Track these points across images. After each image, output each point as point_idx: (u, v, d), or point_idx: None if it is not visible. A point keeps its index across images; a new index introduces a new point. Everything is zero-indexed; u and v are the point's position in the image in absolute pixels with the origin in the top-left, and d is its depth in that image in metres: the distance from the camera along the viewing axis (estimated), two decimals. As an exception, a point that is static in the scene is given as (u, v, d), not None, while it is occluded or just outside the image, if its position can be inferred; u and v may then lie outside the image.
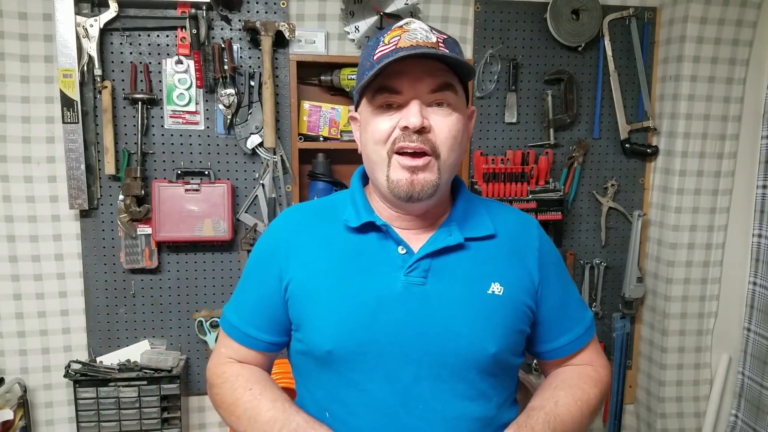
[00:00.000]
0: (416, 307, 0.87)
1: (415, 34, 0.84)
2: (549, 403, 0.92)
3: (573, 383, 0.96)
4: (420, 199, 0.86)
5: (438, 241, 0.90)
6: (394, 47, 0.84)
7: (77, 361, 1.83)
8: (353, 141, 1.87)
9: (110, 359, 1.87)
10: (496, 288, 0.90)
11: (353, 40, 1.91)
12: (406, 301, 0.87)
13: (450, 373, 0.87)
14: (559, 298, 0.98)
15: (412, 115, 0.83)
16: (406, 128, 0.84)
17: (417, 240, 0.92)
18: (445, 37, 0.88)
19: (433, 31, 0.87)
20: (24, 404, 1.83)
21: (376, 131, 0.87)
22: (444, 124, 0.85)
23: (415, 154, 0.85)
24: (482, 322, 0.88)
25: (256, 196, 1.92)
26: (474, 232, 0.93)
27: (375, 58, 0.85)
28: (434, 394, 0.86)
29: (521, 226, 0.99)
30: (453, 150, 0.87)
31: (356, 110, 0.96)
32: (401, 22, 0.88)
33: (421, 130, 0.84)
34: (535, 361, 1.98)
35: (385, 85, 0.85)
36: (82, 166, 1.78)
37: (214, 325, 1.93)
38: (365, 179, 1.00)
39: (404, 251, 0.90)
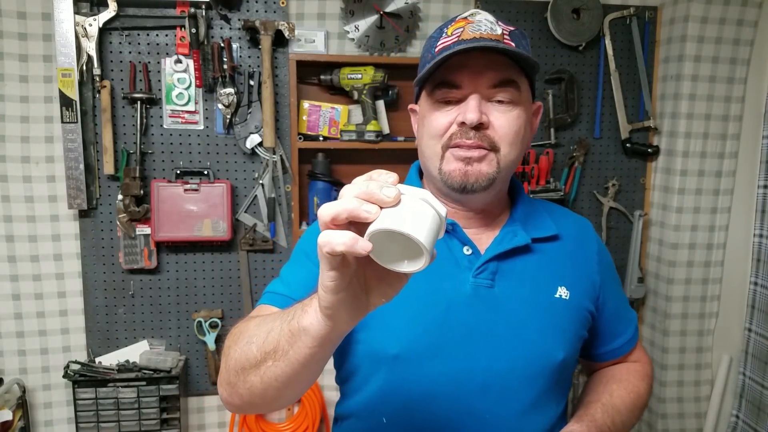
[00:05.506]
0: (485, 310, 0.84)
1: (479, 26, 0.81)
2: (604, 396, 0.93)
3: (623, 377, 0.98)
4: (474, 190, 0.82)
5: (505, 242, 0.87)
6: (456, 39, 0.80)
7: (76, 362, 1.82)
8: (353, 141, 1.89)
9: (109, 360, 1.86)
10: (562, 292, 0.87)
11: (353, 40, 1.90)
12: (475, 304, 0.84)
13: (519, 381, 0.84)
14: (615, 301, 0.98)
15: (470, 110, 0.79)
16: (463, 124, 0.80)
17: (479, 240, 0.89)
18: (512, 29, 0.84)
19: (499, 23, 0.83)
20: (23, 405, 1.83)
21: (432, 126, 0.84)
22: (504, 121, 0.81)
23: (471, 147, 0.81)
24: (551, 328, 0.85)
25: (256, 195, 1.91)
26: (538, 233, 0.90)
27: (437, 50, 0.82)
28: (502, 402, 0.83)
29: (580, 229, 0.97)
30: (514, 145, 0.83)
31: (416, 102, 0.92)
32: (466, 13, 0.84)
33: (479, 126, 0.80)
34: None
35: (444, 79, 0.82)
36: (81, 166, 1.77)
37: (214, 326, 1.92)
38: (422, 174, 0.96)
39: (470, 252, 0.87)
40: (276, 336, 0.63)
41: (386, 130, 1.95)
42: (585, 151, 2.07)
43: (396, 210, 0.50)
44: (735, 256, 2.02)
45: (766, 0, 1.90)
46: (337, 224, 0.50)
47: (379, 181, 0.51)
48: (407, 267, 0.53)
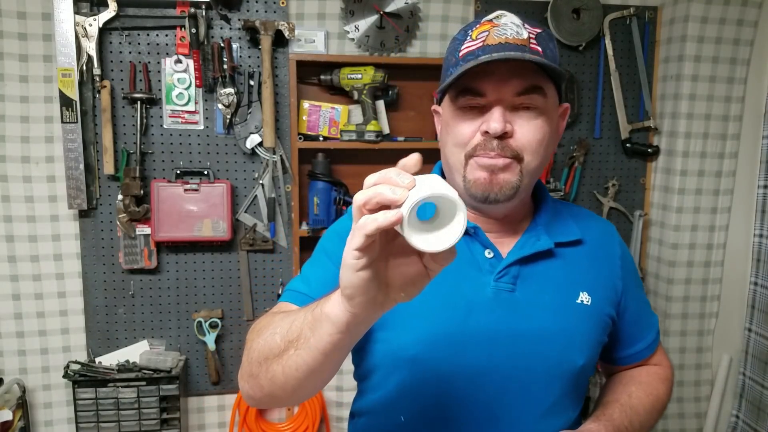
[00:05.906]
0: (505, 314, 0.84)
1: (505, 29, 0.79)
2: (623, 396, 0.93)
3: (643, 380, 0.98)
4: (497, 200, 0.82)
5: (527, 246, 0.87)
6: (481, 44, 0.79)
7: (76, 362, 1.82)
8: (353, 141, 1.89)
9: (109, 360, 1.86)
10: (584, 297, 0.87)
11: (353, 40, 1.90)
12: (496, 308, 0.84)
13: (538, 385, 0.84)
14: (637, 306, 0.97)
15: (493, 120, 0.78)
16: (486, 133, 0.79)
17: (501, 244, 0.88)
18: (539, 31, 0.82)
19: (525, 26, 0.81)
20: (23, 405, 1.83)
21: (456, 134, 0.82)
22: (528, 129, 0.80)
23: (496, 155, 0.80)
24: (571, 333, 0.85)
25: (256, 195, 1.91)
26: (561, 237, 0.89)
27: (461, 54, 0.81)
28: (520, 407, 0.83)
29: (604, 232, 0.96)
30: (537, 154, 0.82)
31: (438, 104, 0.91)
32: (492, 15, 0.82)
33: (503, 136, 0.79)
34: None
35: (468, 86, 0.80)
36: (81, 166, 1.77)
37: (214, 326, 1.92)
38: (444, 177, 0.94)
39: (491, 255, 0.86)
40: (299, 324, 0.65)
41: (386, 130, 1.95)
42: (585, 151, 2.07)
43: (417, 189, 0.53)
44: (735, 256, 2.02)
45: (766, 0, 1.90)
46: (369, 209, 0.53)
47: (397, 168, 0.56)
48: (444, 241, 0.54)
